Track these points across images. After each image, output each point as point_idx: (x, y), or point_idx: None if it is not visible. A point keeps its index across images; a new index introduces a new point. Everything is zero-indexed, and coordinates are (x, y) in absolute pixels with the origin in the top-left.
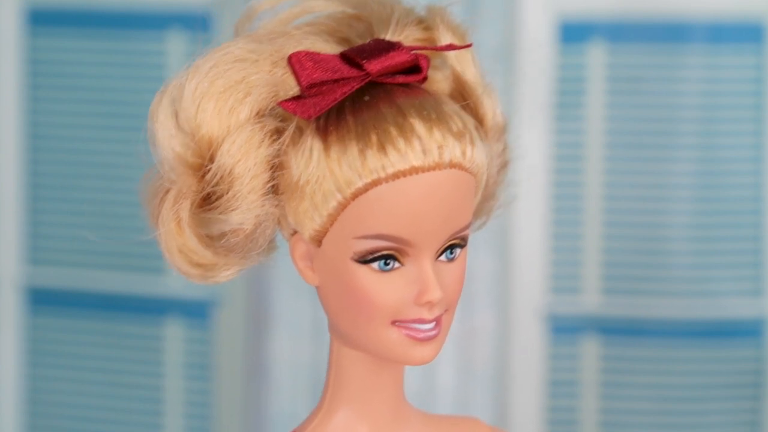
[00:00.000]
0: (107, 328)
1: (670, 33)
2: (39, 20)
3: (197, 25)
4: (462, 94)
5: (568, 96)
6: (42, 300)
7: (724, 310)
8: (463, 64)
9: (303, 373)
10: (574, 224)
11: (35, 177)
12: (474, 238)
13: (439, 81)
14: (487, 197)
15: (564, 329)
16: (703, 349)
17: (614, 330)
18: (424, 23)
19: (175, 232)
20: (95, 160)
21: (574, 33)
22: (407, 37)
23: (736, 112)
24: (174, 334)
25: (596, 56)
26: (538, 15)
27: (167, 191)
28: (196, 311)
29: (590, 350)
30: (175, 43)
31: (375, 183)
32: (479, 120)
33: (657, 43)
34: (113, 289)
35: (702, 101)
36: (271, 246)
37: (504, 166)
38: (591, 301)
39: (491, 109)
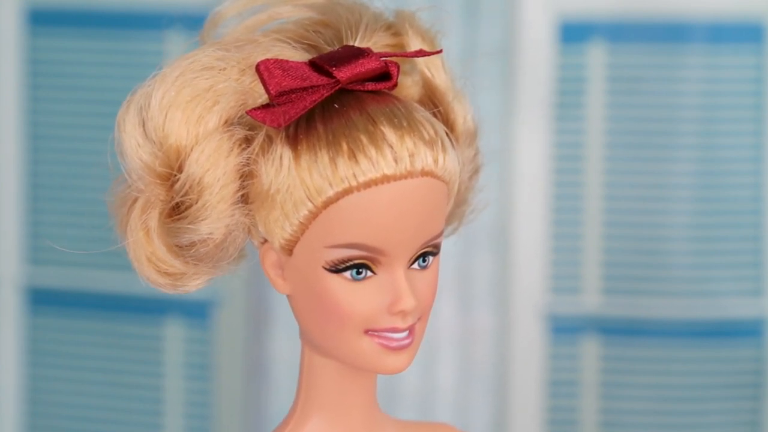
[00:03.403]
0: (107, 328)
1: (670, 33)
2: (39, 20)
3: (197, 25)
4: (432, 100)
5: (568, 96)
6: (42, 300)
7: (724, 310)
8: (433, 69)
9: None
10: (574, 224)
11: (35, 177)
12: (474, 238)
13: (408, 87)
14: (459, 203)
15: (564, 329)
16: (703, 349)
17: (614, 330)
18: (393, 29)
19: (143, 242)
20: (95, 160)
21: (574, 33)
22: (376, 43)
23: (736, 112)
24: (174, 334)
25: (596, 56)
26: (538, 15)
27: (135, 200)
28: (196, 311)
29: (590, 350)
30: (175, 43)
31: (346, 191)
32: (450, 126)
33: (657, 43)
34: (113, 289)
35: (702, 101)
36: (240, 254)
37: (476, 171)
38: (591, 301)
39: (462, 114)
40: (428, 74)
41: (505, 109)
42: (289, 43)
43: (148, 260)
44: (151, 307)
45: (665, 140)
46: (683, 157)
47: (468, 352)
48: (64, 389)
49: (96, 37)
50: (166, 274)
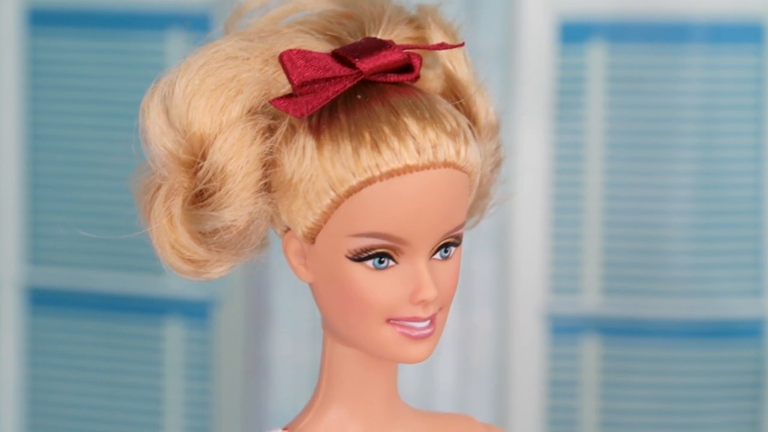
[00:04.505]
0: (107, 328)
1: (670, 33)
2: (39, 20)
3: (195, 24)
4: (454, 93)
5: (568, 96)
6: (42, 300)
7: (724, 310)
8: (455, 62)
9: (303, 373)
10: (574, 224)
11: (35, 177)
12: (474, 238)
13: (431, 80)
14: (480, 195)
15: (564, 329)
16: (703, 349)
17: (614, 330)
18: (416, 22)
19: (167, 228)
20: (95, 160)
21: (574, 33)
22: (398, 35)
23: (736, 112)
24: (174, 334)
25: (596, 56)
26: (538, 15)
27: (159, 187)
28: (196, 311)
29: (590, 350)
30: (175, 43)
31: (369, 181)
32: (472, 119)
33: (657, 43)
34: (113, 289)
35: (702, 101)
36: (263, 243)
37: (497, 164)
38: (591, 301)
39: (484, 107)
40: (450, 67)
41: (505, 109)
42: (313, 34)
43: (172, 247)
44: (151, 307)
45: (665, 140)
46: (683, 157)
47: (468, 352)
48: (64, 389)
49: (96, 37)
50: (190, 260)
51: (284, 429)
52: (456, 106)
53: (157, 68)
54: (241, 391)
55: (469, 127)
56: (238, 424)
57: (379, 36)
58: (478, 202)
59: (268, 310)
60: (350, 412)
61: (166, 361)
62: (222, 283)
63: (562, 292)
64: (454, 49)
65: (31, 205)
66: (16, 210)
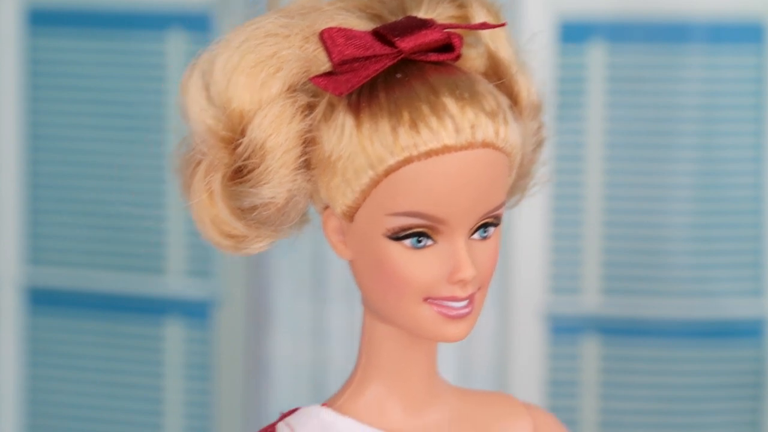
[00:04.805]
0: (107, 328)
1: (670, 33)
2: (39, 20)
3: (195, 24)
4: (496, 73)
5: (568, 96)
6: (42, 300)
7: (724, 310)
8: (497, 42)
9: (303, 373)
10: (574, 224)
11: (35, 177)
12: None
13: (473, 59)
14: (522, 175)
15: (564, 329)
16: (703, 349)
17: (614, 330)
18: (458, 1)
19: (207, 204)
20: (95, 160)
21: (574, 33)
22: (440, 14)
23: (736, 112)
24: (174, 334)
25: (596, 56)
26: (538, 15)
27: (199, 162)
28: (196, 311)
29: (590, 350)
30: (175, 43)
31: (407, 161)
32: (514, 98)
33: (657, 43)
34: (113, 289)
35: (702, 101)
36: (303, 219)
37: (539, 144)
38: (591, 301)
39: (526, 87)
40: (492, 47)
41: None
42: (354, 12)
43: (212, 222)
44: (151, 307)
45: (665, 140)
46: (683, 157)
47: (468, 352)
48: (64, 389)
49: (96, 37)
50: (229, 236)
51: (323, 405)
52: (498, 86)
53: (157, 68)
54: (241, 391)
55: (510, 108)
56: (238, 424)
57: (420, 15)
58: (520, 182)
59: (268, 310)
60: (389, 390)
61: (166, 361)
62: (222, 283)
63: (562, 292)
64: (496, 29)
65: (31, 205)
66: (16, 210)
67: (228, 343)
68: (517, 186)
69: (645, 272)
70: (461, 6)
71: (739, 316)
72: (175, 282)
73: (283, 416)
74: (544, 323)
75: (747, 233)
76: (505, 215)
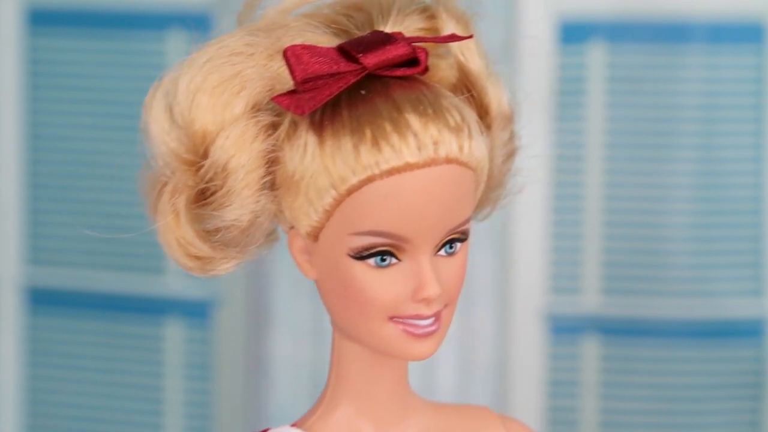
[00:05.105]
0: (107, 328)
1: (670, 33)
2: (39, 20)
3: (197, 25)
4: (466, 84)
5: (568, 96)
6: (42, 300)
7: (724, 310)
8: (467, 53)
9: (303, 373)
10: (574, 224)
11: (35, 177)
12: (474, 238)
13: (443, 69)
14: (492, 187)
15: (564, 329)
16: (703, 349)
17: (614, 330)
18: (429, 11)
19: (172, 225)
20: (95, 160)
21: (574, 33)
22: (408, 27)
23: (736, 112)
24: (174, 334)
25: (596, 56)
26: (538, 15)
27: (165, 184)
28: (196, 311)
29: (590, 350)
30: (175, 43)
31: (369, 180)
32: (484, 109)
33: (657, 43)
34: (113, 289)
35: (702, 101)
36: (271, 238)
37: (510, 155)
38: (591, 301)
39: (496, 98)
40: (462, 58)
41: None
42: (320, 28)
43: (178, 243)
44: (151, 307)
45: (665, 140)
46: (683, 157)
47: (468, 353)
48: (64, 389)
49: (96, 37)
50: (195, 257)
51: (292, 426)
52: (468, 98)
53: (157, 68)
54: (241, 391)
55: (476, 121)
56: (238, 424)
57: (388, 28)
58: (491, 194)
59: (268, 310)
60: (359, 409)
61: (166, 361)
62: (222, 283)
63: (562, 292)
64: (466, 40)
65: (31, 205)
66: (16, 210)
67: (228, 343)
68: (488, 198)
69: (645, 272)
70: (430, 18)
71: (739, 316)
72: (175, 282)
73: None
74: (544, 323)
75: (747, 233)
76: (506, 215)
